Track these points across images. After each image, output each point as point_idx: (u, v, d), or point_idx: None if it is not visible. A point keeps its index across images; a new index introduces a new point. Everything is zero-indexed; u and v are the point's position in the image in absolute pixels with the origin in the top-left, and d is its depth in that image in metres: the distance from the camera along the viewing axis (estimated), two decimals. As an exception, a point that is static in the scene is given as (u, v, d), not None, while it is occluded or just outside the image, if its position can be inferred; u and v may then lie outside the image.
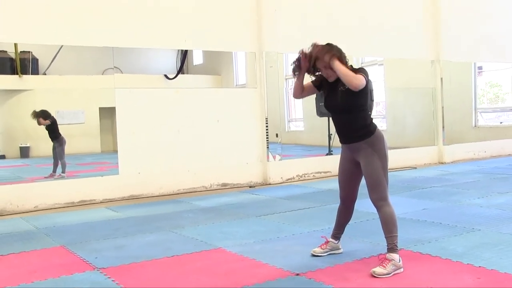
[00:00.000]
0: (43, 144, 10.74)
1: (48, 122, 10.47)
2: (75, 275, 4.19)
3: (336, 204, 4.45)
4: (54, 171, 10.37)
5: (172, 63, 17.86)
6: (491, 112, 14.46)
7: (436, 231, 5.22)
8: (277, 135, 9.74)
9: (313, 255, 4.40)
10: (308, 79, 4.27)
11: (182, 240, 5.29)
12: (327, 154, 11.01)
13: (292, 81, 14.81)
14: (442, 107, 11.92)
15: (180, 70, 17.49)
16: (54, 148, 10.50)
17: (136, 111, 8.39)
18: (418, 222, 5.67)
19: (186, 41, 9.01)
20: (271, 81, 9.58)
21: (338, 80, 4.03)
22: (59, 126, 10.66)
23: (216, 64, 17.81)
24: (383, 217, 4.02)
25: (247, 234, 5.42)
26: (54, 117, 10.73)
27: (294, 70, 4.20)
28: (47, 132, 10.65)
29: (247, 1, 9.27)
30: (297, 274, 3.95)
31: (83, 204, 7.85)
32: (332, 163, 8.37)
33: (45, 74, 13.43)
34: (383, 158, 4.04)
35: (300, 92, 4.28)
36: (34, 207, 7.53)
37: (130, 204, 7.79)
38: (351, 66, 4.05)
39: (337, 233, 4.46)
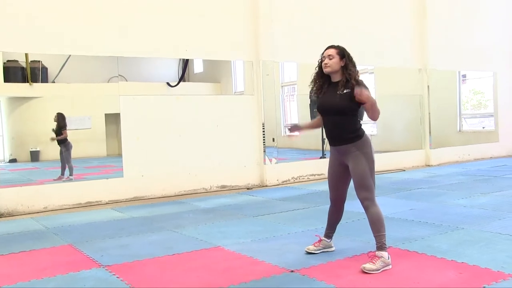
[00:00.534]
0: (52, 148, 10.73)
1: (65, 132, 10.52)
2: (82, 272, 4.20)
3: (329, 205, 4.46)
4: (62, 173, 10.36)
5: (174, 72, 17.84)
6: (474, 118, 14.50)
7: (422, 229, 5.24)
8: (273, 140, 9.74)
9: (307, 253, 4.42)
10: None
11: (183, 239, 5.30)
12: (320, 158, 11.01)
13: (288, 88, 14.82)
14: (429, 113, 11.95)
15: (182, 78, 17.47)
16: (61, 153, 10.49)
17: (140, 117, 8.39)
18: (406, 222, 5.69)
19: (187, 50, 9.02)
20: (268, 88, 9.59)
21: (337, 83, 4.06)
22: (67, 132, 10.67)
23: (216, 72, 17.79)
24: (371, 217, 4.03)
25: (245, 234, 5.42)
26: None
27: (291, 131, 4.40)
28: (55, 135, 10.65)
29: (245, 13, 9.29)
30: (292, 271, 3.96)
31: (89, 205, 7.85)
32: (326, 166, 8.29)
33: (54, 82, 13.41)
34: (370, 161, 4.04)
35: (318, 125, 4.41)
36: (44, 208, 7.53)
37: (134, 205, 7.78)
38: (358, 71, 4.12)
39: (329, 232, 4.47)
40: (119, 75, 9.02)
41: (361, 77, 4.17)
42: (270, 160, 9.52)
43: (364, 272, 3.80)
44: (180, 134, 8.67)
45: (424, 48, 11.79)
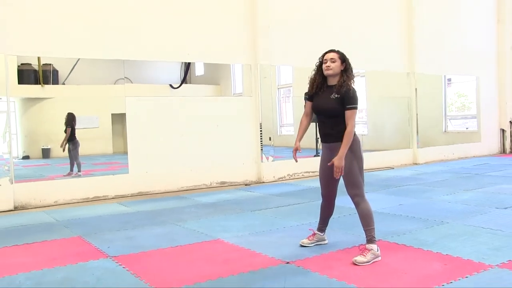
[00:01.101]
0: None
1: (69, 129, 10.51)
2: (90, 262, 4.21)
3: (321, 201, 4.45)
4: (71, 170, 10.35)
5: (176, 74, 17.79)
6: (458, 119, 14.53)
7: (410, 224, 5.26)
8: (270, 139, 9.74)
9: (302, 246, 4.42)
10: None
11: (185, 232, 5.30)
12: (314, 156, 11.00)
13: (284, 90, 14.85)
14: (417, 114, 11.98)
15: (184, 80, 17.42)
16: (69, 150, 10.47)
17: (144, 117, 8.39)
18: (394, 216, 5.71)
19: (189, 54, 9.03)
20: (265, 90, 9.60)
21: (332, 87, 4.07)
22: (75, 130, 10.66)
23: (216, 75, 17.77)
24: (361, 213, 4.04)
25: (243, 227, 5.43)
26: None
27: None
28: (64, 134, 10.63)
29: (243, 19, 9.29)
30: (287, 262, 3.97)
31: (97, 199, 7.85)
32: (319, 164, 8.39)
33: (64, 84, 13.38)
34: (359, 159, 4.04)
35: (308, 122, 4.39)
36: (54, 202, 7.53)
37: (139, 199, 7.79)
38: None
39: (322, 226, 4.48)
40: (125, 77, 9.01)
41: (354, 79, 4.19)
42: (267, 158, 9.52)
43: (355, 264, 3.81)
44: (182, 133, 8.67)
45: (412, 53, 11.81)
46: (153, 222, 5.91)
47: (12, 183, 7.20)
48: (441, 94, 13.75)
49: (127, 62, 8.65)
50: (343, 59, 4.11)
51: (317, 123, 4.26)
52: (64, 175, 10.21)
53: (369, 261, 3.84)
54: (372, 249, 3.90)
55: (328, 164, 4.01)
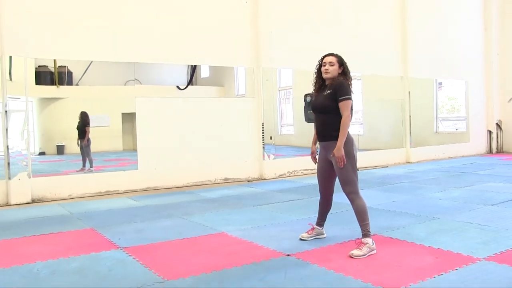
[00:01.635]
0: (75, 143, 10.75)
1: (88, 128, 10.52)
2: (102, 252, 4.22)
3: (319, 197, 4.46)
4: (84, 165, 10.36)
5: (183, 76, 17.78)
6: (449, 121, 14.52)
7: (403, 219, 5.26)
8: (271, 138, 9.74)
9: (301, 239, 4.42)
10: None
11: (191, 225, 5.31)
12: (312, 154, 11.02)
13: (284, 92, 14.85)
14: (410, 116, 11.97)
15: (190, 82, 17.41)
16: (81, 147, 10.49)
17: (153, 116, 8.40)
18: (388, 212, 5.71)
19: (196, 57, 9.03)
20: (267, 92, 9.60)
21: (325, 87, 4.07)
22: (89, 129, 10.68)
23: (220, 77, 17.74)
24: (356, 209, 4.03)
25: (246, 221, 5.43)
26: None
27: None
28: (77, 131, 10.65)
29: (247, 24, 9.29)
30: (288, 255, 3.98)
31: (108, 194, 7.86)
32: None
33: (78, 85, 13.38)
34: (352, 158, 4.01)
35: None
36: (68, 196, 7.54)
37: (148, 194, 7.79)
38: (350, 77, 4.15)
39: (320, 221, 4.48)
40: (135, 79, 9.02)
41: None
42: (268, 156, 9.53)
43: (352, 257, 3.82)
44: (188, 132, 8.68)
45: (405, 59, 11.81)
46: (161, 215, 5.92)
47: (29, 177, 7.22)
48: (433, 97, 13.74)
49: (137, 64, 8.67)
50: (341, 62, 4.10)
51: (314, 123, 4.25)
52: (77, 171, 10.22)
53: (365, 254, 3.84)
54: (367, 243, 3.91)
55: (330, 155, 3.96)
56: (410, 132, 11.97)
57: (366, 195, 4.23)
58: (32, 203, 7.14)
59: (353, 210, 4.08)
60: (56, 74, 12.17)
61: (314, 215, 4.68)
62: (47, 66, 12.22)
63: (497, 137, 14.01)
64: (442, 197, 6.68)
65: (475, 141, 13.62)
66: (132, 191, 8.04)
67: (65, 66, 13.28)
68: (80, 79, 13.09)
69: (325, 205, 4.42)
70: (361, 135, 12.84)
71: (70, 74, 13.68)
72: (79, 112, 10.61)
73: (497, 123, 13.97)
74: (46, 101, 12.95)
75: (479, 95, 13.79)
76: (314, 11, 10.22)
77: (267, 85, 9.60)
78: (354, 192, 4.02)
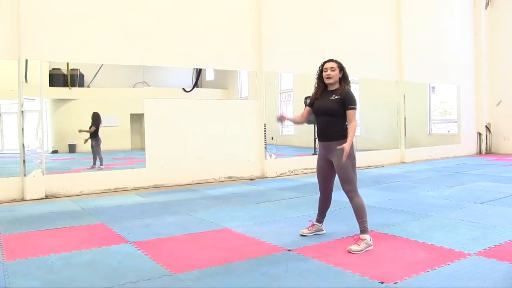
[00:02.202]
0: (86, 142, 10.77)
1: (93, 128, 10.57)
2: (112, 246, 4.23)
3: (319, 195, 4.46)
4: (94, 163, 10.38)
5: (189, 79, 17.82)
6: (441, 123, 14.52)
7: (398, 216, 5.25)
8: (272, 138, 9.73)
9: (302, 235, 4.42)
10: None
11: (196, 221, 5.30)
12: (313, 154, 11.02)
13: (285, 95, 14.83)
14: (404, 118, 11.95)
15: (195, 85, 17.45)
16: (92, 146, 10.51)
17: (160, 117, 8.40)
18: (384, 210, 5.70)
19: (202, 61, 9.03)
20: (269, 94, 9.59)
21: (332, 92, 4.09)
22: (99, 128, 10.70)
23: (224, 80, 17.77)
24: (355, 206, 4.03)
25: (249, 217, 5.43)
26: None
27: (279, 120, 4.38)
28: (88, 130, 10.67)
29: (250, 30, 9.28)
30: (289, 250, 3.98)
31: (117, 190, 7.87)
32: (316, 161, 8.40)
33: (89, 87, 13.44)
34: (352, 158, 4.03)
35: (302, 120, 4.41)
36: (80, 192, 7.55)
37: (155, 191, 7.79)
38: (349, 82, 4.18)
39: (320, 218, 4.48)
40: (144, 81, 9.03)
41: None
42: (270, 156, 9.52)
43: (350, 252, 3.82)
44: (194, 132, 8.67)
45: (401, 64, 11.80)
46: (167, 211, 5.91)
47: (43, 174, 7.23)
48: (426, 100, 13.73)
49: (145, 67, 8.70)
50: (341, 68, 4.15)
51: (316, 124, 4.26)
52: (88, 168, 10.25)
53: (363, 250, 3.84)
54: (365, 239, 3.91)
55: (338, 147, 3.97)
56: (405, 134, 11.95)
57: (363, 193, 4.22)
58: (45, 198, 7.15)
59: (351, 207, 4.08)
60: (69, 77, 12.24)
61: (314, 212, 4.68)
62: (60, 69, 12.28)
63: (486, 138, 14.00)
64: (435, 195, 6.67)
65: (466, 142, 13.62)
66: (140, 188, 8.05)
67: (77, 69, 13.34)
68: (91, 81, 13.15)
69: (324, 203, 4.42)
70: (358, 136, 12.82)
71: (82, 76, 13.74)
72: (92, 113, 10.66)
73: (486, 126, 13.97)
74: (59, 102, 13.01)
75: (470, 99, 13.80)
76: (314, 18, 10.21)
77: (269, 88, 9.59)
78: (353, 190, 4.02)
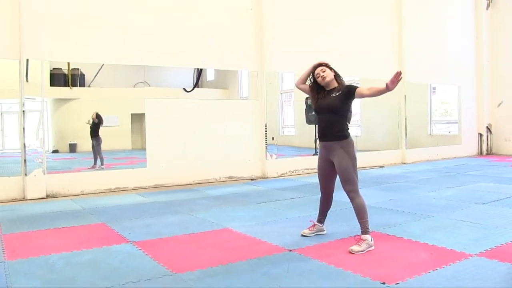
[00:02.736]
0: (86, 141, 10.80)
1: (96, 120, 10.61)
2: (113, 246, 4.23)
3: (320, 195, 4.46)
4: (95, 163, 10.41)
5: (189, 79, 17.83)
6: (442, 123, 14.52)
7: (399, 217, 5.25)
8: (273, 138, 9.74)
9: (303, 235, 4.41)
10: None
11: (197, 221, 5.29)
12: (313, 154, 11.01)
13: (285, 95, 14.84)
14: (405, 119, 11.94)
15: (196, 85, 17.47)
16: (93, 146, 10.53)
17: (161, 117, 8.39)
18: (385, 210, 5.70)
19: (202, 61, 9.02)
20: (270, 94, 9.59)
21: (332, 90, 4.11)
22: (100, 128, 10.73)
23: (225, 80, 17.79)
24: (356, 206, 4.03)
25: (250, 217, 5.42)
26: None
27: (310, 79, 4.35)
28: (89, 130, 10.71)
29: (251, 30, 9.28)
30: (290, 250, 3.97)
31: (118, 190, 7.86)
32: (317, 162, 8.40)
33: (90, 87, 13.46)
34: (353, 159, 4.03)
35: (301, 83, 4.45)
36: (81, 192, 7.55)
37: (156, 191, 7.78)
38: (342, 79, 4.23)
39: (321, 218, 4.47)
40: (144, 81, 9.04)
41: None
42: (271, 156, 9.51)
43: (351, 253, 3.82)
44: (194, 132, 8.67)
45: (401, 64, 11.76)
46: (168, 211, 5.91)
47: (44, 174, 7.23)
48: (427, 101, 13.75)
49: (146, 67, 8.71)
50: (329, 66, 4.25)
51: (317, 124, 4.27)
52: (88, 168, 10.27)
53: (364, 250, 3.84)
54: (366, 239, 3.90)
55: (331, 155, 4.04)
56: (406, 134, 11.95)
57: (364, 194, 4.22)
58: (46, 198, 7.15)
59: (353, 208, 4.08)
60: (70, 76, 12.25)
61: (315, 213, 4.67)
62: (61, 69, 12.29)
63: (487, 139, 13.99)
64: (436, 196, 6.67)
65: (467, 143, 13.61)
66: (141, 188, 8.04)
67: (78, 69, 13.35)
68: (92, 81, 13.16)
69: (325, 203, 4.42)
70: (359, 137, 12.85)
71: (82, 76, 13.76)
72: (95, 113, 10.69)
73: (487, 127, 13.96)
74: (60, 101, 13.02)
75: (471, 100, 13.79)
76: (314, 18, 10.21)
77: (270, 88, 9.59)
78: (354, 190, 4.02)
